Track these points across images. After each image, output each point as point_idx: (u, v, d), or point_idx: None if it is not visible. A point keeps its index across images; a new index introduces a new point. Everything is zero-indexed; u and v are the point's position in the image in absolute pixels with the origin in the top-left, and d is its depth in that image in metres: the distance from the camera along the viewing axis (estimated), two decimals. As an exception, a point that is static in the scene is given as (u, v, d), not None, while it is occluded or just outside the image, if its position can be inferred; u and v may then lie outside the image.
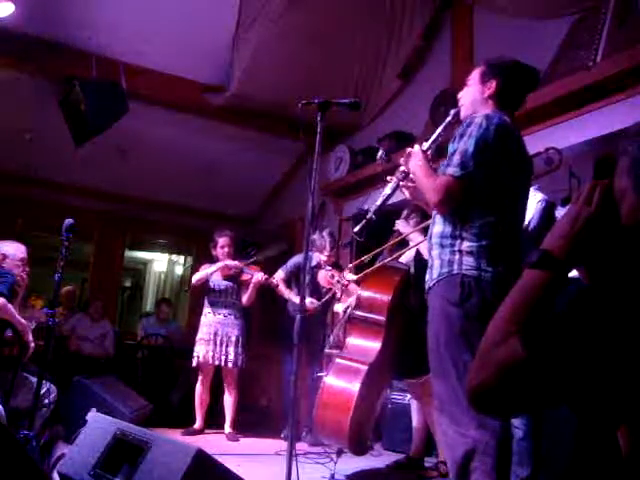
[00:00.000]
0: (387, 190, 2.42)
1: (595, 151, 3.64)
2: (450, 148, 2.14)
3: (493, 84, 2.23)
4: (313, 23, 4.78)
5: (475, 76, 2.30)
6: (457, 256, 2.08)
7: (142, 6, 4.68)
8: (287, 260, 4.84)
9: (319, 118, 2.47)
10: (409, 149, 2.32)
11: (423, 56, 5.24)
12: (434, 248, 2.18)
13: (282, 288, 4.65)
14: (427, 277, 2.22)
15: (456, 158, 2.08)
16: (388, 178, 2.43)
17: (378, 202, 2.44)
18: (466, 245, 2.07)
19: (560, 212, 3.79)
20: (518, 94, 2.30)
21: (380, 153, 2.77)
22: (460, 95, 2.36)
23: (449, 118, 2.37)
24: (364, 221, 2.47)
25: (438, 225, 2.19)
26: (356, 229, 2.50)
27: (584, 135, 3.55)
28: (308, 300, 4.33)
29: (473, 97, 2.29)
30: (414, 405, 3.84)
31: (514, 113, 2.29)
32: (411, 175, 2.31)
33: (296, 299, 4.38)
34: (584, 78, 3.44)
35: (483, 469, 1.93)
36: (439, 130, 2.37)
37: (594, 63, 3.46)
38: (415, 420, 3.83)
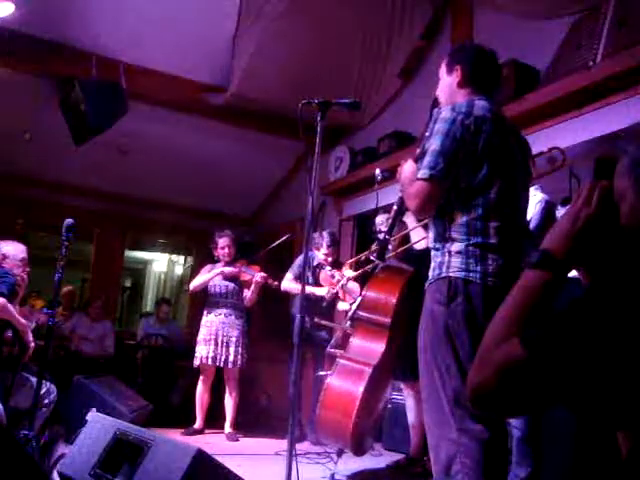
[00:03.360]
0: (394, 209, 2.42)
1: (595, 151, 3.63)
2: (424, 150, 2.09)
3: (459, 71, 2.21)
4: (313, 23, 4.78)
5: (442, 69, 2.29)
6: (446, 257, 2.04)
7: (142, 6, 4.68)
8: (292, 261, 4.83)
9: (319, 118, 2.47)
10: (402, 162, 2.27)
11: (423, 56, 5.23)
12: (432, 252, 2.17)
13: (294, 286, 4.58)
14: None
15: (426, 160, 2.02)
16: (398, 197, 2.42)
17: (390, 222, 2.45)
18: (455, 246, 2.03)
19: (560, 212, 3.79)
20: (486, 74, 2.24)
21: (377, 172, 2.80)
22: (437, 93, 2.34)
23: (433, 117, 2.27)
24: (380, 245, 2.51)
25: (431, 229, 2.17)
26: (376, 255, 2.52)
27: (584, 135, 3.55)
28: (325, 289, 4.30)
29: (446, 90, 2.27)
30: (409, 402, 3.83)
31: (493, 92, 2.23)
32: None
33: (310, 289, 4.37)
34: (584, 78, 3.44)
35: (465, 472, 1.89)
36: (427, 133, 2.25)
37: (594, 63, 3.46)
38: (410, 418, 3.83)
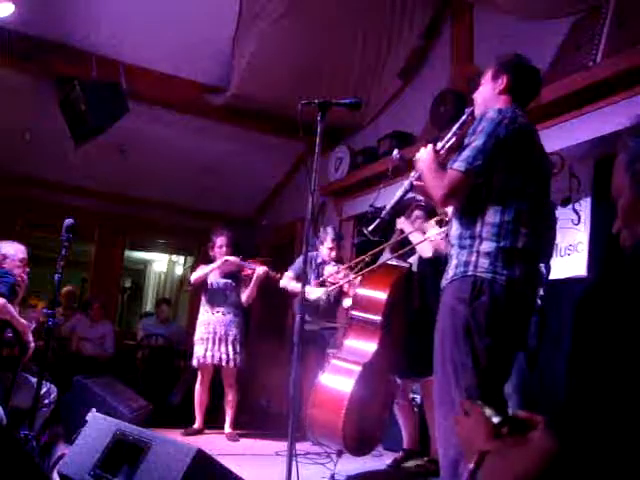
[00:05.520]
0: (401, 191, 2.42)
1: (595, 151, 3.63)
2: (465, 144, 2.14)
3: (504, 79, 2.25)
4: (313, 23, 4.78)
5: (487, 75, 2.33)
6: (474, 257, 2.07)
7: (142, 6, 4.68)
8: (293, 260, 4.82)
9: (319, 118, 2.47)
10: (422, 148, 2.32)
11: (423, 56, 5.23)
12: (453, 249, 2.18)
13: (293, 285, 4.56)
14: (443, 278, 2.22)
15: (465, 153, 2.08)
16: (406, 181, 2.42)
17: (392, 202, 2.44)
18: (484, 246, 2.06)
19: (559, 212, 3.79)
20: (528, 88, 2.31)
21: (395, 153, 2.75)
22: (475, 95, 2.37)
23: (464, 117, 2.38)
24: (378, 220, 2.47)
25: (456, 226, 2.19)
26: (370, 228, 2.48)
27: (584, 135, 3.55)
28: (322, 290, 4.28)
29: (486, 94, 2.30)
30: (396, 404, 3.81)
31: (526, 108, 2.29)
32: (421, 173, 2.30)
33: (310, 290, 4.35)
34: (584, 78, 3.44)
35: None
36: (454, 129, 2.37)
37: (594, 63, 3.46)
38: (399, 417, 3.82)
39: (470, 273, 2.05)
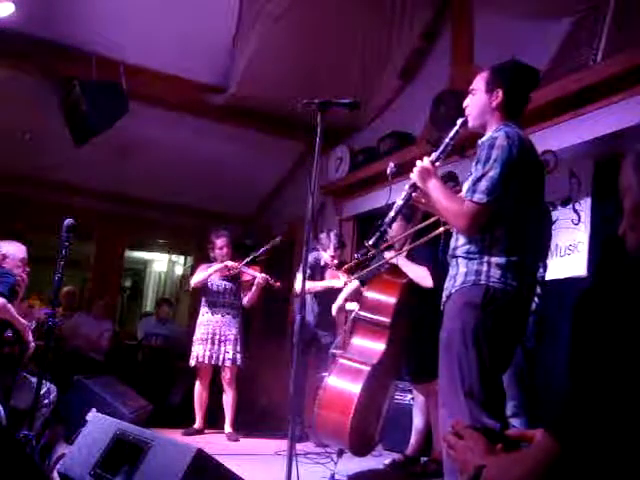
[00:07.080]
0: (399, 202, 2.41)
1: (595, 151, 3.63)
2: (474, 171, 2.15)
3: (500, 93, 2.23)
4: (313, 23, 4.78)
5: (480, 84, 2.28)
6: (485, 267, 2.13)
7: (142, 6, 4.68)
8: (292, 261, 4.83)
9: (319, 118, 2.47)
10: (418, 162, 2.31)
11: (423, 56, 5.23)
12: (460, 259, 2.21)
13: (308, 285, 4.56)
14: (447, 284, 2.25)
15: (483, 184, 2.09)
16: (402, 194, 2.42)
17: (391, 214, 2.44)
18: (496, 258, 2.12)
19: (559, 212, 3.79)
20: (524, 101, 2.31)
21: (391, 166, 2.77)
22: (466, 103, 2.34)
23: (456, 127, 2.36)
24: (378, 233, 2.50)
25: (463, 241, 2.21)
26: (371, 242, 2.51)
27: (584, 135, 3.55)
28: (342, 281, 4.25)
29: (480, 107, 2.28)
30: (417, 405, 3.83)
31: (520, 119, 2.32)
32: (425, 190, 2.29)
33: (327, 283, 4.42)
34: (584, 78, 3.44)
35: None
36: (447, 140, 2.36)
37: (594, 63, 3.46)
38: (417, 422, 3.82)
39: (482, 282, 2.11)
